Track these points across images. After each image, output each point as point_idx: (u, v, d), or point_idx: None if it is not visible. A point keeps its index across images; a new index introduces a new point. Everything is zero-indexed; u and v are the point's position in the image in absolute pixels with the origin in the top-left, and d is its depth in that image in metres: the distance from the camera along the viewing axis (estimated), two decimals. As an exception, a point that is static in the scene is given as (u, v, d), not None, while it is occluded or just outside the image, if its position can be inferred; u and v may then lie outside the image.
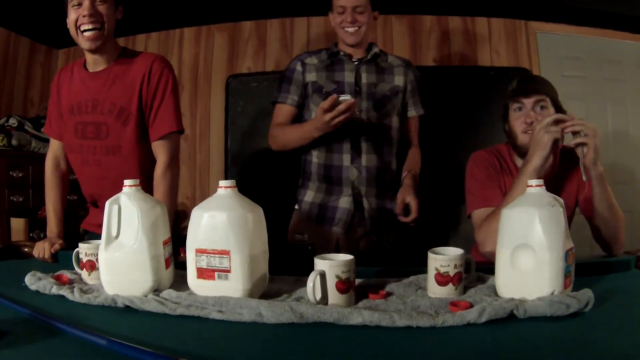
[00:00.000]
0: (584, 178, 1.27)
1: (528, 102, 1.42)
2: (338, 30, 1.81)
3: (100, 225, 1.56)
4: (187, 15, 3.08)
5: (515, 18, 3.01)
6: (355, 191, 1.75)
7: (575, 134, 1.25)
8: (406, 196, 1.73)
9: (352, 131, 1.73)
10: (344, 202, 1.75)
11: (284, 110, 1.84)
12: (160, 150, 1.52)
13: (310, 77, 1.82)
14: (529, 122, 1.39)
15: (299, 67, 1.84)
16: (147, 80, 1.49)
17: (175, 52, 3.21)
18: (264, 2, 2.95)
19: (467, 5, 2.93)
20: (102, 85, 1.49)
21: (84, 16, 1.40)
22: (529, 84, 1.47)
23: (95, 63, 1.51)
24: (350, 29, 1.77)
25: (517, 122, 1.44)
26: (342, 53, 1.83)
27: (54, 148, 1.62)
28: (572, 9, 2.86)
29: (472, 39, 3.03)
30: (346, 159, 1.75)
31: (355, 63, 1.82)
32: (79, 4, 1.40)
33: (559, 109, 1.44)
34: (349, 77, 1.80)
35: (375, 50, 1.84)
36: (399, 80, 1.84)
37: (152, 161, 1.54)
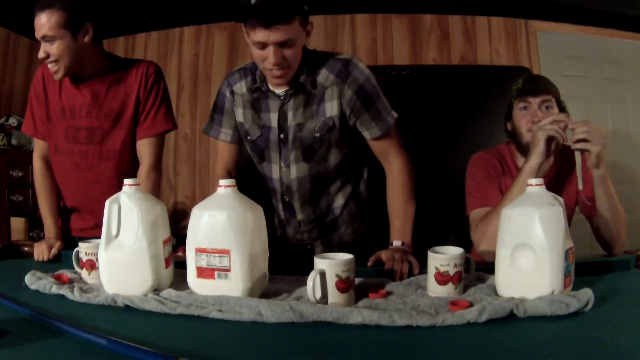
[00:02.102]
0: (579, 186, 1.27)
1: (535, 101, 1.42)
2: (259, 64, 1.33)
3: (83, 230, 1.60)
4: (187, 15, 3.08)
5: (515, 17, 3.02)
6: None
7: (581, 141, 1.24)
8: (394, 264, 1.13)
9: (282, 192, 1.47)
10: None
11: (220, 147, 1.54)
12: (146, 150, 1.55)
13: (238, 115, 1.47)
14: (536, 122, 1.39)
15: (228, 95, 1.48)
16: (144, 86, 1.54)
17: (175, 52, 3.22)
18: (264, 2, 2.94)
19: (467, 5, 2.94)
20: (98, 91, 1.51)
21: (40, 57, 1.43)
22: (537, 83, 1.47)
23: (79, 76, 1.52)
24: (277, 72, 1.29)
25: (523, 121, 1.43)
26: (265, 87, 1.39)
27: (41, 148, 1.60)
28: (572, 9, 2.86)
29: (472, 38, 3.03)
30: (282, 212, 1.51)
31: (281, 97, 1.40)
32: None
33: (562, 109, 1.44)
34: (273, 119, 1.41)
35: (302, 77, 1.35)
36: (331, 109, 1.37)
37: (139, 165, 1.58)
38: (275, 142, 1.42)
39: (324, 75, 1.37)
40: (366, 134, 1.40)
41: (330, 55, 1.40)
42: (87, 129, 1.52)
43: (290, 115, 1.40)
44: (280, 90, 1.39)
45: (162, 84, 1.59)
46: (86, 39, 1.45)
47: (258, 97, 1.43)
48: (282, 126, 1.41)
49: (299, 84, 1.36)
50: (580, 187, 1.27)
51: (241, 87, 1.45)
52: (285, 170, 1.44)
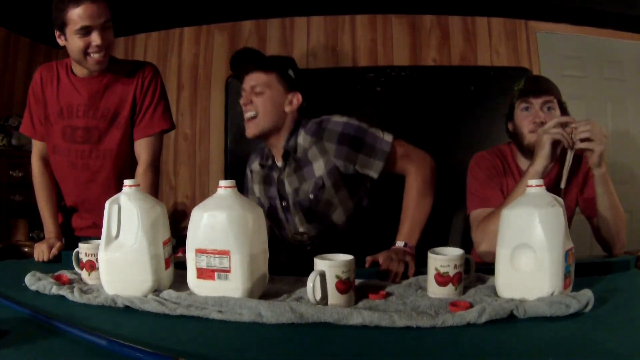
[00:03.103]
0: (562, 185, 1.27)
1: (537, 102, 1.42)
2: (245, 124, 1.51)
3: (82, 229, 1.61)
4: (187, 15, 3.08)
5: (515, 18, 3.01)
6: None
7: (584, 140, 1.24)
8: (390, 264, 1.13)
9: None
10: None
11: None
12: (143, 149, 1.56)
13: (256, 190, 1.60)
14: (538, 122, 1.38)
15: (249, 175, 1.64)
16: (140, 85, 1.55)
17: (175, 52, 3.21)
18: (264, 2, 2.95)
19: (467, 5, 2.93)
20: (96, 91, 1.52)
21: (96, 45, 1.42)
22: (539, 84, 1.47)
23: (88, 72, 1.52)
24: (246, 115, 1.45)
25: (525, 121, 1.43)
26: (270, 161, 1.54)
27: (39, 148, 1.60)
28: (572, 9, 2.86)
29: (472, 39, 3.03)
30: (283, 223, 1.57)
31: (279, 166, 1.51)
32: (87, 33, 1.41)
33: (563, 110, 1.44)
34: (275, 190, 1.54)
35: (288, 144, 1.46)
36: (319, 169, 1.42)
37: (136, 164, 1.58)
38: (281, 210, 1.53)
39: (303, 138, 1.44)
40: (372, 173, 1.39)
41: (311, 119, 1.47)
42: (84, 128, 1.53)
43: (287, 182, 1.50)
44: (280, 163, 1.50)
45: (159, 84, 1.60)
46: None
47: (267, 171, 1.56)
48: (282, 194, 1.51)
49: (286, 151, 1.46)
50: (563, 185, 1.27)
51: (255, 165, 1.61)
52: (295, 231, 1.52)
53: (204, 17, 3.12)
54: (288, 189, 1.50)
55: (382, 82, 2.95)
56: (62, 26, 1.41)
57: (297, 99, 1.48)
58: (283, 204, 1.51)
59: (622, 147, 3.05)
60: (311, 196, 1.44)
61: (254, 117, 1.45)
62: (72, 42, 1.42)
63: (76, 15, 1.37)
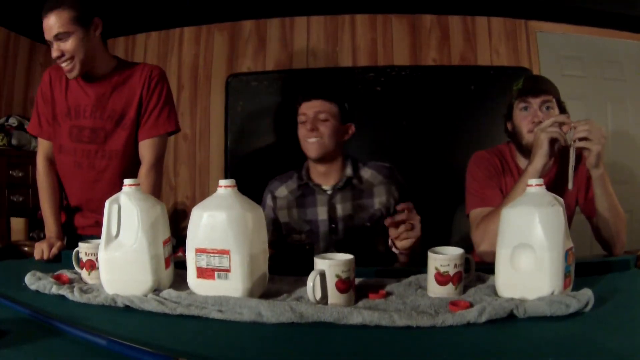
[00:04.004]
0: (569, 186, 1.27)
1: (535, 102, 1.42)
2: (302, 144, 1.59)
3: (84, 228, 1.62)
4: (187, 15, 3.08)
5: (515, 18, 3.02)
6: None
7: (582, 139, 1.24)
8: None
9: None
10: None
11: None
12: (147, 150, 1.58)
13: (282, 216, 1.62)
14: (537, 122, 1.38)
15: (269, 202, 1.64)
16: (147, 87, 1.57)
17: (175, 52, 3.21)
18: (264, 2, 2.95)
19: (467, 5, 2.94)
20: (103, 92, 1.55)
21: (54, 57, 1.46)
22: (538, 83, 1.47)
23: (94, 73, 1.55)
24: (310, 139, 1.53)
25: (524, 121, 1.43)
26: (311, 183, 1.59)
27: (45, 148, 1.62)
28: (572, 9, 2.86)
29: (472, 39, 3.03)
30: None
31: (329, 193, 1.58)
32: (51, 45, 1.46)
33: (562, 109, 1.44)
34: (322, 213, 1.57)
35: (348, 173, 1.57)
36: (379, 204, 1.57)
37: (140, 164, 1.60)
38: (326, 233, 1.57)
39: (371, 175, 1.60)
40: None
41: (370, 161, 1.65)
42: (91, 129, 1.55)
43: (339, 208, 1.57)
44: (327, 186, 1.59)
45: (166, 87, 1.62)
46: (97, 33, 1.50)
47: (303, 194, 1.61)
48: (332, 217, 1.57)
49: (347, 179, 1.57)
50: (570, 187, 1.27)
51: (282, 190, 1.64)
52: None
53: (204, 17, 3.12)
54: (340, 213, 1.57)
55: (382, 82, 2.95)
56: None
57: (352, 129, 1.62)
58: (332, 225, 1.57)
59: (622, 147, 3.05)
60: (368, 224, 1.56)
61: (319, 141, 1.54)
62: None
63: (43, 28, 1.43)
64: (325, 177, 1.60)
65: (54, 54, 1.45)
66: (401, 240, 1.20)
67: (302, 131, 1.57)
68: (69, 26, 1.42)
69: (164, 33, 3.22)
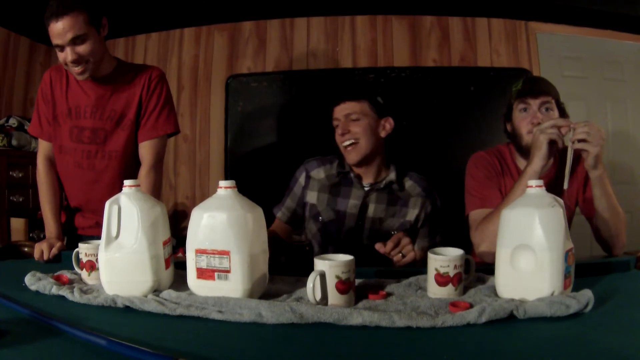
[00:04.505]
0: (564, 185, 1.27)
1: (535, 103, 1.42)
2: (341, 150, 1.57)
3: (84, 228, 1.63)
4: (187, 15, 3.08)
5: (515, 18, 3.02)
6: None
7: (581, 140, 1.24)
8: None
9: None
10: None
11: (275, 222, 1.66)
12: (147, 151, 1.58)
13: (311, 197, 1.59)
14: (536, 123, 1.38)
15: (301, 180, 1.62)
16: (147, 89, 1.57)
17: (175, 53, 3.22)
18: (264, 2, 2.95)
19: (467, 5, 2.94)
20: (103, 93, 1.55)
21: (70, 61, 1.43)
22: (537, 84, 1.47)
23: (94, 76, 1.54)
24: (345, 143, 1.52)
25: (523, 122, 1.43)
26: (352, 174, 1.57)
27: (45, 148, 1.62)
28: (572, 9, 2.86)
29: (472, 39, 3.03)
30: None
31: (366, 189, 1.56)
32: (62, 49, 1.41)
33: (562, 110, 1.44)
34: (352, 207, 1.55)
35: (392, 177, 1.55)
36: (412, 215, 1.56)
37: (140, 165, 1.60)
38: (351, 228, 1.54)
39: (411, 185, 1.58)
40: (415, 245, 1.47)
41: (413, 172, 1.62)
42: (91, 129, 1.55)
43: (371, 207, 1.54)
44: (366, 182, 1.57)
45: (165, 88, 1.62)
46: (105, 32, 1.50)
47: (339, 182, 1.58)
48: (362, 214, 1.54)
49: (388, 182, 1.54)
50: (566, 186, 1.27)
51: (319, 172, 1.61)
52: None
53: (204, 18, 3.13)
54: (370, 213, 1.55)
55: (382, 83, 2.95)
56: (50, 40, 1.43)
57: (389, 123, 1.58)
58: (359, 222, 1.55)
59: (622, 147, 3.05)
60: (393, 233, 1.51)
61: (354, 144, 1.51)
62: (58, 54, 1.45)
63: (50, 32, 1.39)
64: (365, 173, 1.58)
65: (70, 57, 1.41)
66: (396, 262, 1.23)
67: (337, 137, 1.56)
68: (85, 28, 1.40)
69: (164, 34, 3.22)
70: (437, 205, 1.60)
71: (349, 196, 1.56)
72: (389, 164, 1.60)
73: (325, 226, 1.57)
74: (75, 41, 1.40)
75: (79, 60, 1.43)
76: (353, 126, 1.51)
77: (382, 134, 1.56)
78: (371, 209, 1.54)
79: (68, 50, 1.41)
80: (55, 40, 1.39)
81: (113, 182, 1.55)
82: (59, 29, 1.37)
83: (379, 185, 1.55)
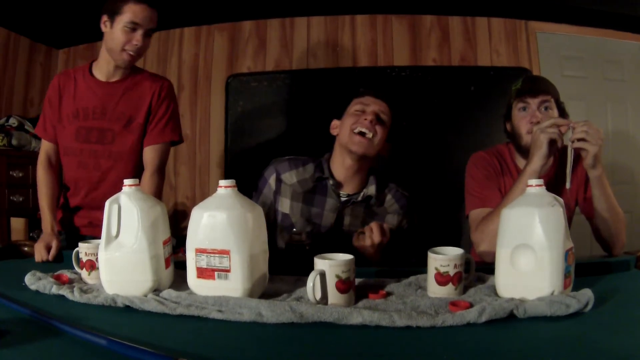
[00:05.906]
0: (567, 185, 1.27)
1: (534, 102, 1.42)
2: (348, 135, 1.43)
3: (86, 226, 1.65)
4: (187, 15, 3.08)
5: (515, 18, 3.02)
6: None
7: (580, 140, 1.24)
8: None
9: None
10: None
11: None
12: (151, 155, 1.63)
13: (284, 205, 1.46)
14: (535, 122, 1.38)
15: (272, 182, 1.49)
16: (157, 96, 1.63)
17: (175, 52, 3.22)
18: (264, 2, 2.95)
19: (467, 5, 2.94)
20: (113, 94, 1.60)
21: (135, 44, 1.52)
22: (536, 84, 1.47)
23: (110, 74, 1.61)
24: (364, 130, 1.40)
25: (523, 122, 1.43)
26: (330, 182, 1.45)
27: (47, 148, 1.66)
28: (572, 9, 2.86)
29: (472, 38, 3.03)
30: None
31: (343, 199, 1.46)
32: (133, 30, 1.50)
33: (561, 110, 1.44)
34: (328, 218, 1.45)
35: (371, 191, 1.47)
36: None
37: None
38: (325, 233, 1.47)
39: (389, 200, 1.52)
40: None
41: (393, 184, 1.55)
42: (99, 129, 1.60)
43: (347, 220, 1.46)
44: (343, 192, 1.47)
45: (174, 102, 1.69)
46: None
47: (314, 189, 1.47)
48: (337, 226, 1.47)
49: (368, 196, 1.46)
50: (568, 186, 1.27)
51: (290, 176, 1.48)
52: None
53: (204, 18, 3.13)
54: (346, 226, 1.46)
55: (383, 83, 2.95)
56: (114, 13, 1.49)
57: (389, 149, 1.53)
58: (334, 234, 1.47)
59: (622, 147, 3.05)
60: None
61: (369, 138, 1.41)
62: (116, 32, 1.51)
63: (132, 10, 1.47)
64: (346, 181, 1.47)
65: (140, 42, 1.51)
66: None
67: (356, 120, 1.42)
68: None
69: (164, 33, 3.22)
70: (414, 224, 1.53)
71: (324, 207, 1.46)
72: (369, 180, 1.51)
73: (298, 239, 1.49)
74: (148, 32, 1.52)
75: (140, 49, 1.52)
76: (379, 126, 1.43)
77: (381, 152, 1.50)
78: (346, 222, 1.46)
79: (140, 34, 1.50)
80: (137, 19, 1.48)
81: (116, 183, 1.55)
82: (147, 13, 1.50)
83: (355, 198, 1.46)
